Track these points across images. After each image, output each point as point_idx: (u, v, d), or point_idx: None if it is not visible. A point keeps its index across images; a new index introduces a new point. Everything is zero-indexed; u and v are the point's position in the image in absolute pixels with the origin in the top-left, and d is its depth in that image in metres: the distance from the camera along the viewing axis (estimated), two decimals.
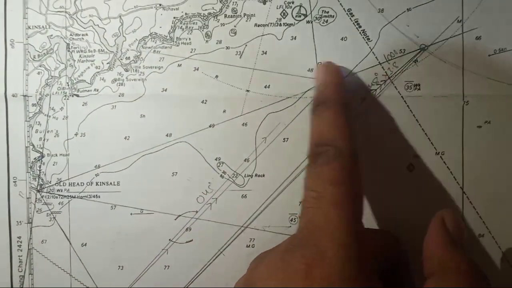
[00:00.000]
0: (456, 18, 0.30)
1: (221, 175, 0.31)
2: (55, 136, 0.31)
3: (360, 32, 0.30)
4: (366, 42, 0.30)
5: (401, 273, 0.28)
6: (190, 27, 0.31)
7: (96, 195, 0.31)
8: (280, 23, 0.31)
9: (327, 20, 0.30)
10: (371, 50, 0.30)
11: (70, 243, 0.31)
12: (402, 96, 0.30)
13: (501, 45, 0.29)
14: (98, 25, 0.31)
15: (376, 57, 0.30)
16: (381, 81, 0.30)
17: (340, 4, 0.30)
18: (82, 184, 0.31)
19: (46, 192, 0.31)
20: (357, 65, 0.30)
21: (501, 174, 0.30)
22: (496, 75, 0.29)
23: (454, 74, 0.30)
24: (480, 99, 0.30)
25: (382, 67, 0.30)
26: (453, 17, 0.30)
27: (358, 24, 0.30)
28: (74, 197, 0.31)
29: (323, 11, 0.30)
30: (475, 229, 0.30)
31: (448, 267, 0.23)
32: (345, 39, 0.30)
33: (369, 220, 0.30)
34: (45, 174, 0.31)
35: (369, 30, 0.30)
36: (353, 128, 0.25)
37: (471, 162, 0.30)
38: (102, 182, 0.31)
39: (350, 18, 0.30)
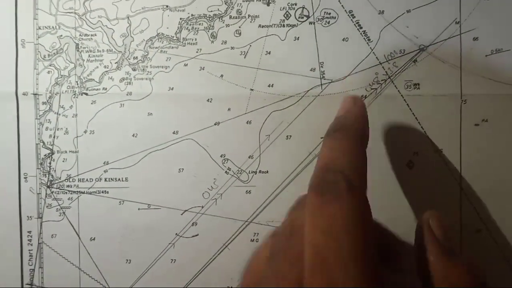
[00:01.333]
0: (454, 20, 0.31)
1: (226, 171, 0.32)
2: (64, 134, 0.32)
3: (361, 33, 0.31)
4: (367, 43, 0.31)
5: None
6: (196, 28, 0.32)
7: (105, 191, 0.32)
8: (284, 24, 0.31)
9: (329, 21, 0.31)
10: (372, 50, 0.31)
11: (79, 238, 0.32)
12: (402, 95, 0.31)
13: (498, 46, 0.30)
14: (106, 25, 0.32)
15: (376, 57, 0.31)
16: (382, 80, 0.31)
17: (342, 6, 0.31)
18: (91, 180, 0.32)
19: (56, 188, 0.32)
20: (358, 64, 0.31)
21: (498, 171, 0.31)
22: (493, 75, 0.30)
23: (453, 73, 0.31)
24: (477, 98, 0.30)
25: (383, 67, 0.31)
26: (451, 19, 0.31)
27: (359, 25, 0.31)
28: (83, 193, 0.32)
29: (325, 12, 0.31)
30: (472, 225, 0.31)
31: (451, 281, 0.21)
32: (347, 39, 0.31)
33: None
34: (55, 170, 0.32)
35: (370, 31, 0.31)
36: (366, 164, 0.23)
37: (468, 159, 0.31)
38: (111, 178, 0.32)
39: (351, 20, 0.31)
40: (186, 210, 0.32)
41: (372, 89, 0.31)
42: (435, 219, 0.23)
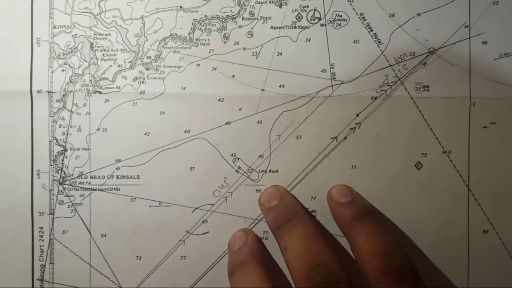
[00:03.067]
0: (463, 24, 0.31)
1: (236, 170, 0.32)
2: (77, 131, 0.33)
3: (372, 36, 0.32)
4: (378, 45, 0.32)
5: None
6: (209, 29, 0.32)
7: (117, 188, 0.33)
8: (295, 26, 0.32)
9: (340, 23, 0.32)
10: (382, 52, 0.32)
11: (90, 234, 0.33)
12: (411, 97, 0.31)
13: (506, 50, 0.31)
14: (121, 25, 0.33)
15: (387, 60, 0.32)
16: (392, 82, 0.31)
17: (353, 8, 0.32)
18: (103, 177, 0.33)
19: (68, 185, 0.33)
20: (368, 66, 0.32)
21: (506, 173, 0.31)
22: (502, 78, 0.31)
23: (461, 76, 0.31)
24: (486, 101, 0.31)
25: (393, 69, 0.31)
26: (461, 22, 0.31)
27: (370, 27, 0.32)
28: (95, 190, 0.33)
29: (336, 15, 0.32)
30: (479, 225, 0.31)
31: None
32: (357, 41, 0.32)
33: None
34: (67, 167, 0.33)
35: (381, 33, 0.32)
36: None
37: (476, 161, 0.31)
38: (123, 176, 0.33)
39: (362, 22, 0.32)
40: (196, 208, 0.32)
41: (382, 90, 0.31)
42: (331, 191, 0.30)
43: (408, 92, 0.31)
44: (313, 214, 0.32)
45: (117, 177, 0.33)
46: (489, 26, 0.31)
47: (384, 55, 0.31)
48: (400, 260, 0.25)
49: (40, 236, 0.33)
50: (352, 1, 0.32)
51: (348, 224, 0.28)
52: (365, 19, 0.32)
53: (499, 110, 0.31)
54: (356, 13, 0.32)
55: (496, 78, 0.31)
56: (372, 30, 0.32)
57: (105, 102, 0.33)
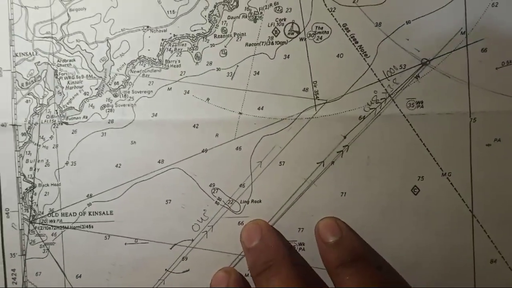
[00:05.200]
0: (459, 30, 0.28)
1: (216, 201, 0.30)
2: (45, 166, 0.31)
3: (357, 48, 0.29)
4: (364, 58, 0.29)
5: None
6: (179, 49, 0.30)
7: (89, 225, 0.30)
8: (272, 42, 0.29)
9: (321, 36, 0.29)
10: (369, 66, 0.28)
11: (64, 275, 0.31)
12: (404, 115, 0.28)
13: (509, 57, 0.27)
14: (85, 50, 0.30)
15: (375, 74, 0.28)
16: (381, 99, 0.28)
17: (335, 19, 0.29)
18: (74, 214, 0.30)
19: (39, 223, 0.31)
20: (355, 82, 0.29)
21: None
22: (505, 89, 0.28)
23: (459, 89, 0.28)
24: (488, 115, 0.28)
25: (382, 84, 0.28)
26: (456, 29, 0.28)
27: (354, 39, 0.29)
28: (67, 228, 0.31)
29: (317, 27, 0.29)
30: (487, 255, 0.28)
31: None
32: (341, 55, 0.29)
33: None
34: (37, 204, 0.31)
35: (367, 45, 0.28)
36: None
37: (480, 183, 0.28)
38: (95, 212, 0.30)
39: (345, 34, 0.29)
40: (175, 244, 0.30)
41: (371, 109, 0.28)
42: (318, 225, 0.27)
43: (400, 110, 0.28)
44: (302, 247, 0.29)
45: (89, 214, 0.30)
46: (488, 31, 0.28)
47: (371, 69, 0.28)
48: None
49: (13, 278, 0.31)
50: (333, 11, 0.29)
51: (334, 271, 0.25)
52: (349, 30, 0.28)
53: (503, 125, 0.28)
54: (339, 24, 0.29)
55: (499, 89, 0.28)
56: (357, 42, 0.28)
57: (72, 133, 0.30)
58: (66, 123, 0.30)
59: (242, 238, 0.28)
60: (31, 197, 0.31)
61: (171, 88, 0.30)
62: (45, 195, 0.31)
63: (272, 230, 0.28)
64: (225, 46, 0.29)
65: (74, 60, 0.30)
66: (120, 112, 0.30)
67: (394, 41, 0.28)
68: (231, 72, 0.29)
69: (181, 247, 0.30)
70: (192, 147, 0.30)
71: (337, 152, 0.29)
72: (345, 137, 0.29)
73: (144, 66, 0.30)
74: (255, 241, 0.27)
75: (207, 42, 0.29)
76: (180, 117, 0.30)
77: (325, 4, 0.29)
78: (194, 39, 0.30)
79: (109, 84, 0.30)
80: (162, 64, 0.30)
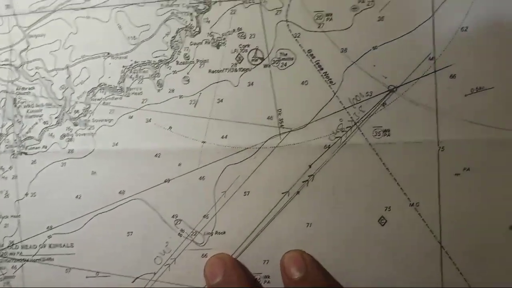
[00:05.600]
0: (427, 55, 0.27)
1: (179, 233, 0.29)
2: (5, 197, 0.30)
3: (322, 75, 0.28)
4: (329, 86, 0.28)
5: None
6: (140, 76, 0.29)
7: (50, 258, 0.30)
8: (236, 68, 0.28)
9: (285, 63, 0.28)
10: (335, 93, 0.28)
11: None
12: (370, 144, 0.27)
13: (478, 84, 0.27)
14: (45, 77, 0.29)
15: (340, 102, 0.28)
16: (347, 127, 0.28)
17: (300, 45, 0.28)
18: (34, 246, 0.30)
19: None
20: (320, 111, 0.28)
21: (482, 226, 0.27)
22: (474, 117, 0.27)
23: (428, 117, 0.27)
24: (457, 144, 0.27)
25: (348, 112, 0.28)
26: (424, 54, 0.27)
27: (319, 66, 0.28)
28: (27, 261, 0.30)
29: (281, 53, 0.28)
30: (456, 286, 0.27)
31: None
32: (306, 83, 0.28)
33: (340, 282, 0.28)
34: None
35: (332, 72, 0.28)
36: None
37: (449, 214, 0.27)
38: (55, 244, 0.29)
39: (310, 60, 0.28)
40: (137, 278, 0.29)
41: (336, 137, 0.28)
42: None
43: (366, 138, 0.27)
44: (267, 280, 0.28)
45: (50, 246, 0.29)
46: (457, 57, 0.27)
47: (337, 96, 0.28)
48: None
49: None
50: (298, 37, 0.28)
51: None
52: (314, 57, 0.28)
53: (472, 154, 0.27)
54: (303, 50, 0.28)
55: (468, 117, 0.27)
56: (322, 69, 0.28)
57: (32, 163, 0.29)
58: (25, 153, 0.29)
59: (205, 273, 0.27)
60: None
61: (132, 116, 0.29)
62: (4, 227, 0.30)
63: (236, 265, 0.27)
64: (187, 73, 0.29)
65: (34, 88, 0.30)
66: (80, 142, 0.29)
67: (361, 68, 0.27)
68: (194, 100, 0.28)
69: (144, 280, 0.29)
70: (154, 177, 0.29)
71: (303, 182, 0.28)
72: (310, 167, 0.28)
73: (104, 94, 0.29)
74: (219, 277, 0.27)
75: (169, 69, 0.29)
76: (142, 146, 0.29)
77: (290, 30, 0.28)
78: (155, 65, 0.29)
79: (69, 113, 0.29)
80: (123, 91, 0.29)
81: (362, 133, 0.27)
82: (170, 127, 0.29)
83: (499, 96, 0.26)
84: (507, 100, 0.26)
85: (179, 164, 0.29)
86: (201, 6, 0.28)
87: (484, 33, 0.26)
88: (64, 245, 0.29)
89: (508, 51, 0.26)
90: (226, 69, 0.28)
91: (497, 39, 0.26)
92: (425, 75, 0.27)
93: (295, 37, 0.28)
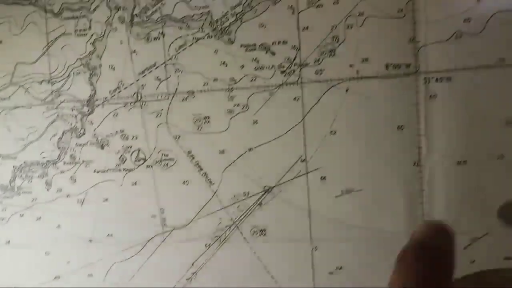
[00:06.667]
0: (299, 157, 0.28)
1: None
2: None
3: (202, 175, 0.29)
4: (209, 185, 0.28)
5: None
6: (30, 176, 0.30)
7: None
8: (120, 169, 0.29)
9: (167, 163, 0.29)
10: (215, 193, 0.28)
11: None
12: (248, 242, 0.28)
13: (347, 186, 0.27)
14: None
15: (219, 201, 0.28)
16: (226, 226, 0.28)
17: (180, 146, 0.29)
18: None
19: None
20: (200, 210, 0.29)
21: None
22: (345, 217, 0.27)
23: (301, 217, 0.28)
24: (329, 243, 0.28)
25: (226, 212, 0.28)
26: (296, 156, 0.28)
27: (199, 166, 0.29)
28: None
29: (163, 154, 0.29)
30: None
31: None
32: (187, 182, 0.29)
33: None
34: None
35: (211, 172, 0.28)
36: None
37: None
38: None
39: (191, 161, 0.29)
40: None
41: (216, 236, 0.28)
42: None
43: (245, 237, 0.28)
44: None
45: None
46: (326, 159, 0.27)
47: (216, 195, 0.28)
48: None
49: None
50: (178, 139, 0.29)
51: None
52: (194, 157, 0.28)
53: (345, 253, 0.27)
54: (184, 151, 0.29)
55: (339, 217, 0.27)
56: (202, 169, 0.28)
57: None
58: None
59: None
60: None
61: (23, 214, 0.30)
62: None
63: None
64: (74, 173, 0.29)
65: None
66: None
67: (238, 168, 0.28)
68: (81, 199, 0.29)
69: None
70: (44, 274, 0.29)
71: (186, 280, 0.29)
72: (193, 265, 0.29)
73: None
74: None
75: (57, 169, 0.29)
76: (33, 244, 0.30)
77: (170, 132, 0.29)
78: (44, 166, 0.30)
79: None
80: (14, 190, 0.30)
81: (241, 232, 0.28)
82: (59, 225, 0.29)
83: (368, 198, 0.27)
84: (376, 201, 0.27)
85: (68, 262, 0.29)
86: (85, 109, 0.29)
87: (351, 137, 0.27)
88: None
89: (374, 154, 0.27)
90: (111, 169, 0.29)
91: (363, 142, 0.27)
92: (298, 176, 0.28)
93: (175, 139, 0.29)
